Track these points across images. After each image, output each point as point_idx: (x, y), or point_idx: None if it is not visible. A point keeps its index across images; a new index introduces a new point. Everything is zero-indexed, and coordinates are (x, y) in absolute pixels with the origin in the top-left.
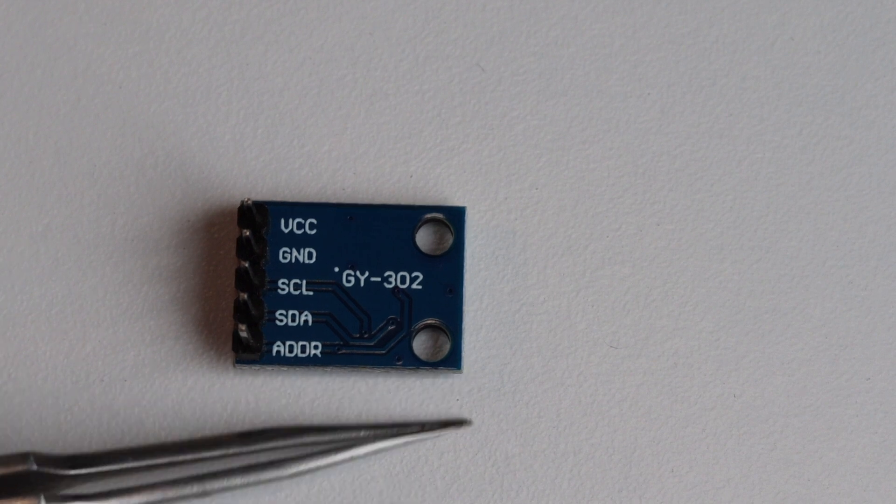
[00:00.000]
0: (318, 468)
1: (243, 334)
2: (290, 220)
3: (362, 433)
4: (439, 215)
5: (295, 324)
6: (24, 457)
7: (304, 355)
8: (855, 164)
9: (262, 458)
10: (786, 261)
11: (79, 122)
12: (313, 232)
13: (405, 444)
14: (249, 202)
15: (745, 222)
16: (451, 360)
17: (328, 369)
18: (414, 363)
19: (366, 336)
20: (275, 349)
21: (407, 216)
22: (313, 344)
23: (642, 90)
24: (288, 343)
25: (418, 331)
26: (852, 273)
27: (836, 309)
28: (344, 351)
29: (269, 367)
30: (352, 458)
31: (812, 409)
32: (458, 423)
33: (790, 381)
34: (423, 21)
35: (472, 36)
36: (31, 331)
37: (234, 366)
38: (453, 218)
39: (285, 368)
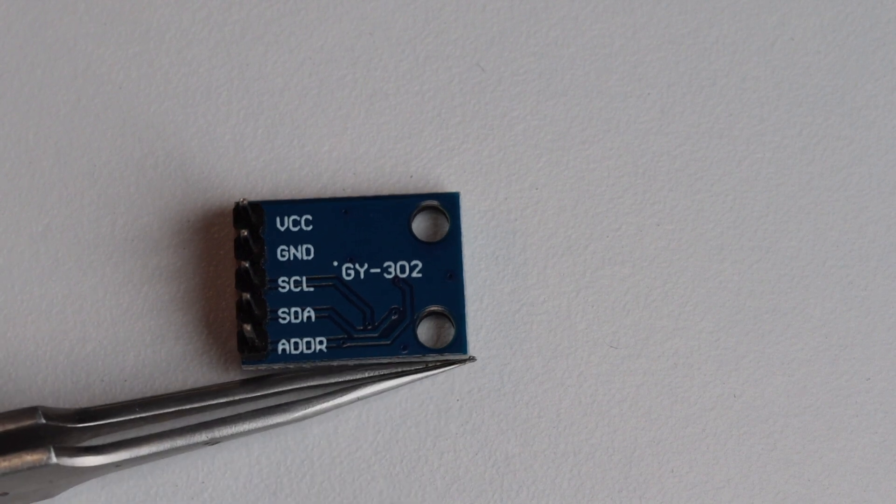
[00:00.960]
0: (324, 410)
1: (248, 335)
2: (286, 218)
3: (367, 374)
4: (434, 202)
5: (298, 321)
6: (32, 411)
7: (309, 351)
8: (855, 164)
9: (269, 402)
10: (786, 261)
11: (79, 122)
12: (309, 228)
13: (409, 382)
14: (245, 202)
15: (745, 222)
16: (457, 346)
17: (334, 363)
18: (420, 351)
19: (370, 328)
20: (280, 347)
21: (401, 205)
22: (318, 339)
23: (642, 90)
24: (293, 340)
25: (422, 318)
26: (852, 273)
27: (836, 309)
28: (349, 344)
29: (276, 366)
30: (358, 399)
31: (812, 409)
32: (461, 360)
33: (790, 381)
34: (423, 21)
35: (472, 36)
36: (31, 331)
37: (242, 367)
38: (448, 204)
39: (292, 366)
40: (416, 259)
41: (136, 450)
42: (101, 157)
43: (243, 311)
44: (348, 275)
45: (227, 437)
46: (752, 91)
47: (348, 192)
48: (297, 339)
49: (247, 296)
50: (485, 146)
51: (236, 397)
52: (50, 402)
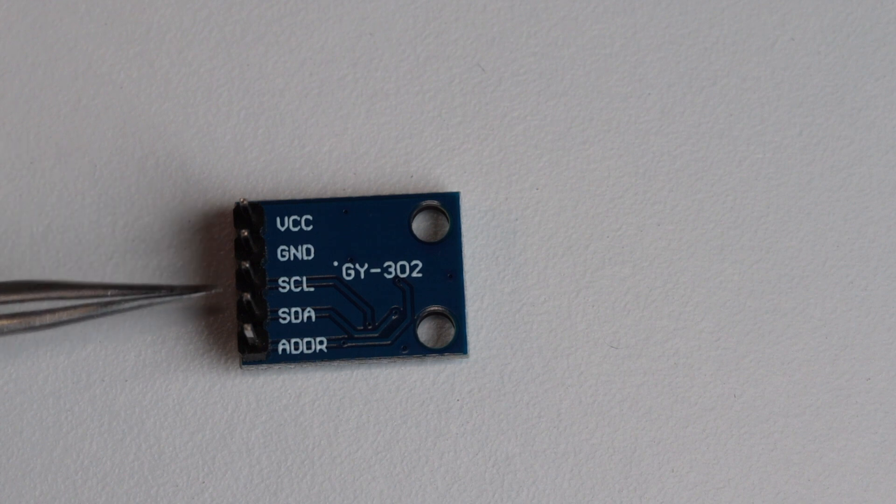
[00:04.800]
0: (69, 321)
1: (249, 335)
2: (286, 218)
3: (109, 293)
4: (434, 202)
5: (298, 321)
6: None
7: (310, 351)
8: (855, 164)
9: (6, 310)
10: (786, 261)
11: (79, 122)
12: (309, 228)
13: (153, 304)
14: (245, 202)
15: (745, 222)
16: (457, 346)
17: (335, 363)
18: (420, 351)
19: (370, 328)
20: (280, 347)
21: (402, 205)
22: (318, 339)
23: (642, 90)
24: (293, 340)
25: (422, 318)
26: (852, 273)
27: (836, 309)
28: (350, 344)
29: (276, 366)
30: (103, 315)
31: (812, 409)
32: (207, 287)
33: (790, 381)
34: (424, 21)
35: (473, 36)
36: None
37: (241, 367)
38: (448, 204)
39: (293, 366)
40: (416, 259)
41: None
42: (101, 157)
43: (243, 311)
44: (348, 275)
45: None
46: (752, 91)
47: (348, 192)
48: (298, 339)
49: (247, 296)
50: (485, 146)
51: None
52: (50, 402)
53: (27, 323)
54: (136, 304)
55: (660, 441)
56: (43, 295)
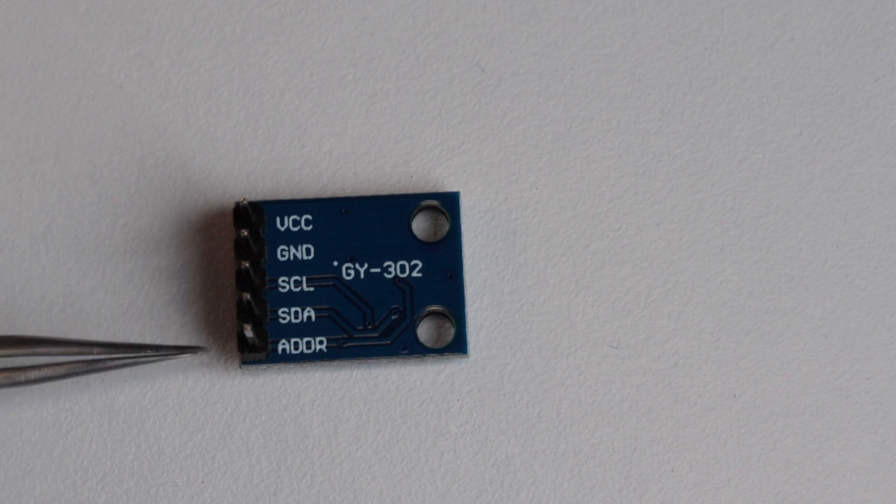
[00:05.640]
0: (53, 378)
1: (248, 335)
2: (286, 218)
3: (95, 351)
4: (434, 202)
5: (298, 321)
6: None
7: (309, 351)
8: (855, 164)
9: None
10: (786, 261)
11: (79, 122)
12: (309, 228)
13: (138, 363)
14: (245, 202)
15: (745, 222)
16: (457, 346)
17: (335, 363)
18: (420, 351)
19: (370, 327)
20: (280, 347)
21: (401, 205)
22: (318, 339)
23: (642, 90)
24: (293, 340)
25: (422, 318)
26: (852, 273)
27: (836, 309)
28: (349, 344)
29: (276, 366)
30: (88, 372)
31: (812, 409)
32: (194, 349)
33: (790, 381)
34: (424, 21)
35: (473, 36)
36: (32, 331)
37: (241, 367)
38: (448, 204)
39: (292, 366)
40: (416, 259)
41: None
42: (101, 157)
43: (243, 311)
44: (348, 275)
45: None
46: (752, 91)
47: (348, 192)
48: (298, 339)
49: (247, 296)
50: (485, 146)
51: None
52: (50, 403)
53: (11, 378)
54: (120, 363)
55: (660, 441)
56: (28, 350)
